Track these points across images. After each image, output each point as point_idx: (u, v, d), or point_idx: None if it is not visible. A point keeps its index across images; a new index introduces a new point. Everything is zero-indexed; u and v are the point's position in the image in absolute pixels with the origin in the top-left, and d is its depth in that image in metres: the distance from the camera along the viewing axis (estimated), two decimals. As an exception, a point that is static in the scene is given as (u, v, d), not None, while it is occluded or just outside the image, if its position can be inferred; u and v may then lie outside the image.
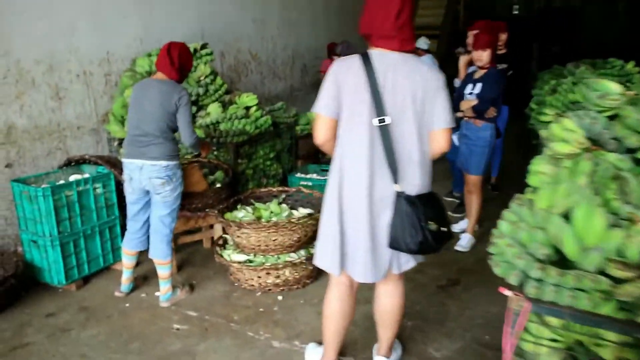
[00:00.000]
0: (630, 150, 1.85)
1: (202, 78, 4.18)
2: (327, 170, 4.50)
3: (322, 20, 7.46)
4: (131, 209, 2.95)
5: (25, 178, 3.18)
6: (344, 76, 1.88)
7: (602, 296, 1.31)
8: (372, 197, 1.90)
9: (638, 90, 2.40)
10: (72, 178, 3.22)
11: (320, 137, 1.95)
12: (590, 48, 8.81)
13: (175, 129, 2.84)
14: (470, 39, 4.37)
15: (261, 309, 2.93)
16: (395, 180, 1.86)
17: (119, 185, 3.25)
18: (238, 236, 3.07)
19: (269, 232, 2.97)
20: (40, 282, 3.18)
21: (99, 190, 3.26)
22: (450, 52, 7.88)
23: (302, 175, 4.38)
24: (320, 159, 5.21)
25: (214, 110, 4.04)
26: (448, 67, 5.63)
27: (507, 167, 5.33)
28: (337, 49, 5.04)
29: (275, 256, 3.11)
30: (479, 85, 3.58)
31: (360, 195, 1.90)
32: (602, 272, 1.34)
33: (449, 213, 4.25)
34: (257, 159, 4.22)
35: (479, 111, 3.53)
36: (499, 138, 3.82)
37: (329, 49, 6.61)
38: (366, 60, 1.84)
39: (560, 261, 1.45)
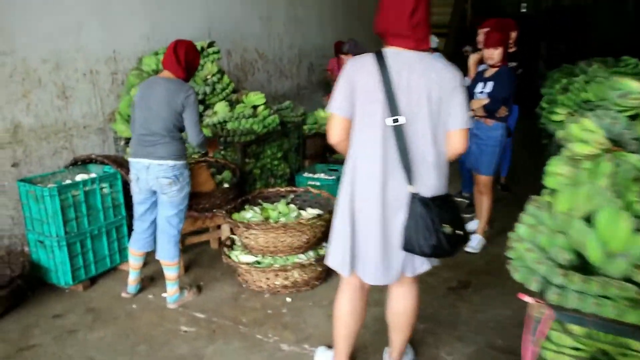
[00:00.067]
0: (652, 151, 1.80)
1: (209, 77, 4.14)
2: (335, 170, 4.49)
3: (328, 19, 7.42)
4: (138, 209, 2.92)
5: (32, 178, 3.15)
6: (357, 75, 1.84)
7: (628, 304, 1.26)
8: (385, 198, 1.86)
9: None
10: (79, 178, 3.20)
11: (334, 137, 1.92)
12: (599, 46, 8.70)
13: (182, 128, 2.80)
14: (480, 37, 4.31)
15: (270, 311, 2.89)
16: (410, 181, 1.81)
17: (126, 185, 3.22)
18: (246, 237, 3.03)
19: (277, 233, 2.93)
20: (47, 283, 3.16)
21: (106, 190, 3.23)
22: (457, 51, 7.81)
23: (310, 175, 4.34)
24: (327, 158, 5.17)
25: (221, 109, 4.00)
26: (456, 65, 5.57)
27: (516, 167, 5.27)
28: (345, 47, 4.99)
29: (284, 257, 3.07)
30: (489, 84, 3.53)
31: (372, 196, 1.87)
32: (628, 279, 1.29)
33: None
34: (264, 158, 4.18)
35: (490, 110, 3.48)
36: (509, 137, 3.77)
37: (336, 47, 6.56)
38: (380, 58, 1.80)
39: (583, 266, 1.40)
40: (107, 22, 3.91)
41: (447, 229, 1.81)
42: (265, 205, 3.40)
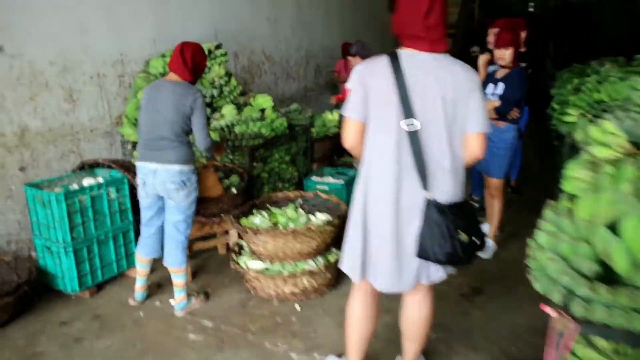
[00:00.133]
0: (677, 155, 1.72)
1: (216, 79, 4.11)
2: (342, 173, 4.43)
3: (335, 20, 7.37)
4: (145, 214, 2.88)
5: (39, 182, 3.13)
6: (371, 78, 1.79)
7: (659, 318, 1.19)
8: (399, 203, 1.81)
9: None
10: (86, 182, 3.17)
11: (349, 141, 1.89)
12: (607, 45, 8.59)
13: (189, 132, 2.76)
14: (491, 38, 4.25)
15: (278, 319, 2.84)
16: (425, 187, 1.76)
17: (133, 190, 3.19)
18: (255, 243, 2.98)
19: (286, 239, 2.88)
20: (54, 289, 3.13)
21: (113, 195, 3.20)
22: (465, 51, 7.73)
23: (318, 179, 4.29)
24: (335, 162, 5.11)
25: (228, 112, 3.96)
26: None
27: (526, 169, 5.19)
28: (352, 49, 4.93)
29: (293, 264, 3.01)
30: (501, 85, 3.46)
31: (385, 201, 1.82)
32: (659, 292, 1.22)
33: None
34: (272, 162, 4.13)
35: (501, 112, 3.41)
36: (520, 139, 3.70)
37: (344, 48, 6.51)
38: (394, 60, 1.75)
39: (608, 277, 1.33)
40: (114, 24, 3.88)
41: (463, 236, 1.75)
42: (274, 210, 3.35)
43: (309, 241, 2.93)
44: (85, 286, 3.09)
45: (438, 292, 3.03)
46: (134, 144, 3.68)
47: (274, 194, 3.56)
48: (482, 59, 4.02)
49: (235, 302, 3.05)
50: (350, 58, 5.07)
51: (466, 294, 3.10)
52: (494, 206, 3.66)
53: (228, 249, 3.56)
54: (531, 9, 14.21)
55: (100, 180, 3.23)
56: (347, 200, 3.83)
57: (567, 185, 1.79)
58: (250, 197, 3.60)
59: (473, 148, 1.79)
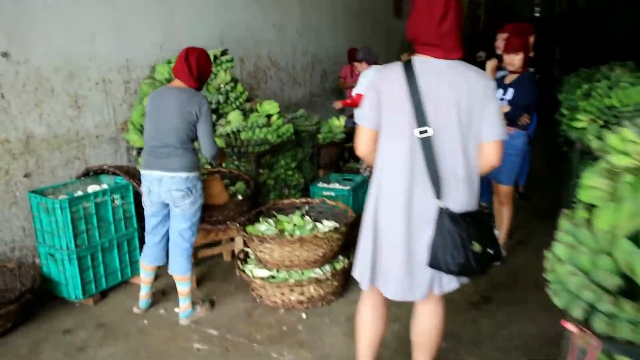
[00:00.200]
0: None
1: (222, 85, 4.08)
2: (349, 180, 4.39)
3: (341, 26, 7.35)
4: (149, 222, 2.84)
5: (43, 189, 3.10)
6: (384, 85, 1.76)
7: (687, 335, 1.14)
8: (411, 212, 1.77)
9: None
10: (90, 189, 3.14)
11: (362, 148, 1.86)
12: (613, 49, 8.55)
13: (195, 139, 2.72)
14: (499, 43, 4.20)
15: (285, 328, 2.79)
16: (438, 196, 1.72)
17: (138, 197, 3.16)
18: (261, 251, 2.94)
19: (293, 247, 2.84)
20: (57, 297, 3.10)
21: (117, 202, 3.17)
22: (471, 56, 7.69)
23: (324, 185, 4.25)
24: (342, 168, 5.07)
25: (234, 118, 3.93)
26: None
27: (534, 175, 5.14)
28: (359, 55, 4.91)
29: (299, 272, 2.97)
30: (510, 91, 3.42)
31: (396, 208, 1.78)
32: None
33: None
34: (278, 168, 4.10)
35: (511, 118, 3.36)
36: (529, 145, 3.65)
37: (350, 54, 6.49)
38: (408, 67, 1.71)
39: (632, 292, 1.28)
40: (120, 30, 3.87)
41: (477, 246, 1.70)
42: (280, 217, 3.31)
43: (315, 249, 2.88)
44: (89, 294, 3.06)
45: (447, 300, 2.97)
46: (139, 150, 3.65)
47: (280, 201, 3.52)
48: (490, 64, 3.98)
49: (241, 310, 3.00)
50: (356, 64, 5.04)
51: (475, 302, 3.04)
52: (503, 213, 3.61)
53: (233, 256, 3.52)
54: (537, 14, 14.18)
55: (105, 187, 3.20)
56: (354, 207, 3.79)
57: (583, 195, 1.73)
58: (256, 204, 3.56)
59: (489, 156, 1.75)
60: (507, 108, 3.36)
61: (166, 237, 2.86)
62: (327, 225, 3.21)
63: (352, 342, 2.49)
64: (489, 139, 1.72)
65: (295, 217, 3.26)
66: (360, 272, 1.96)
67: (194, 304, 2.92)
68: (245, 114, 4.09)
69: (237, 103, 4.09)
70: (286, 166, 4.19)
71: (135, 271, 3.28)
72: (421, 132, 1.69)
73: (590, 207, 1.69)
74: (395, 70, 1.75)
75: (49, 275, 3.10)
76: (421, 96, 1.69)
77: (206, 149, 2.71)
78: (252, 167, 3.78)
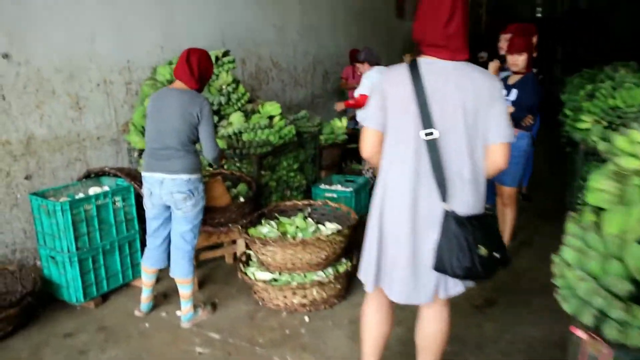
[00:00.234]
0: None
1: (224, 86, 4.06)
2: (351, 181, 4.37)
3: (342, 26, 7.33)
4: (151, 225, 2.82)
5: (44, 191, 3.08)
6: (389, 86, 1.74)
7: (700, 343, 1.12)
8: (416, 214, 1.75)
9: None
10: (92, 191, 3.12)
11: (367, 150, 1.85)
12: (615, 50, 8.52)
13: (196, 141, 2.70)
14: (502, 43, 4.19)
15: (287, 331, 2.77)
16: (444, 198, 1.69)
17: (139, 199, 3.13)
18: (263, 254, 2.92)
19: (295, 250, 2.81)
20: (58, 299, 3.07)
21: (119, 204, 3.15)
22: (473, 57, 7.66)
23: (326, 187, 4.23)
24: (344, 169, 5.05)
25: (236, 119, 3.91)
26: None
27: (536, 176, 5.11)
28: (360, 55, 4.89)
29: (302, 275, 2.94)
30: (514, 92, 3.39)
31: (401, 210, 1.76)
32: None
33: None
34: (280, 170, 4.07)
35: (515, 119, 3.33)
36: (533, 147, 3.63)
37: (351, 55, 6.47)
38: (414, 68, 1.69)
39: (643, 297, 1.26)
40: (121, 31, 3.85)
41: (483, 250, 1.68)
42: (282, 219, 3.28)
43: (318, 252, 2.86)
44: (90, 296, 3.04)
45: (451, 303, 2.96)
46: (141, 152, 3.63)
47: (282, 203, 3.50)
48: (493, 65, 3.96)
49: (243, 313, 2.98)
50: (358, 65, 5.03)
51: (479, 305, 3.02)
52: (507, 214, 3.59)
53: (235, 258, 3.50)
54: (539, 14, 14.15)
55: (106, 189, 3.18)
56: (356, 208, 3.77)
57: (591, 197, 1.71)
58: (258, 206, 3.54)
59: (496, 158, 1.72)
60: (511, 109, 3.34)
61: (168, 240, 2.84)
62: (330, 227, 3.19)
63: (356, 345, 2.47)
64: (495, 141, 1.70)
65: (298, 220, 3.24)
66: (365, 272, 1.94)
67: (195, 307, 2.89)
68: (247, 116, 4.06)
69: (239, 104, 4.07)
70: (288, 168, 4.16)
71: (136, 274, 3.26)
72: (427, 134, 1.67)
73: (598, 210, 1.67)
74: (400, 71, 1.73)
75: (50, 277, 3.08)
76: (427, 98, 1.67)
77: (208, 151, 2.69)
78: (254, 168, 3.76)
